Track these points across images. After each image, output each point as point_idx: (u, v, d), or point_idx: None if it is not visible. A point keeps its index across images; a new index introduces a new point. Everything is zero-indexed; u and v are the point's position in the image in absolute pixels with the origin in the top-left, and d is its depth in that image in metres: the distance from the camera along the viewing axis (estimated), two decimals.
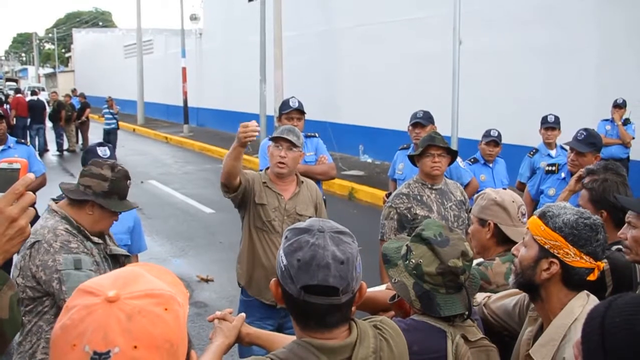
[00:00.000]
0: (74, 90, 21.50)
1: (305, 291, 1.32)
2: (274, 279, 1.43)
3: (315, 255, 1.31)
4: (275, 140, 3.39)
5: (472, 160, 5.50)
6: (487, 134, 5.48)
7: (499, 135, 5.46)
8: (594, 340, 1.09)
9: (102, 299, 0.86)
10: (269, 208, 3.37)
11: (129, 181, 2.64)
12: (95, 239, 2.57)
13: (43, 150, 16.37)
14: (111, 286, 0.88)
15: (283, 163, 3.34)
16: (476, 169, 5.37)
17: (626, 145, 8.18)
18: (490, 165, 5.48)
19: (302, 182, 3.54)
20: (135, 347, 0.84)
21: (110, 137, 15.49)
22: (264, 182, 3.42)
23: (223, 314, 1.82)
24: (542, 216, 1.82)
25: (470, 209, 2.75)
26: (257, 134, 3.05)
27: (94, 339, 0.83)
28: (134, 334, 0.84)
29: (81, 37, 42.79)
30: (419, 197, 3.62)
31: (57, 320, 0.89)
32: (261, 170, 3.57)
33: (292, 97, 4.75)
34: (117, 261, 2.67)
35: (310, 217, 3.39)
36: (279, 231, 3.37)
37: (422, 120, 4.87)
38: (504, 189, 2.70)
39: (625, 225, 2.20)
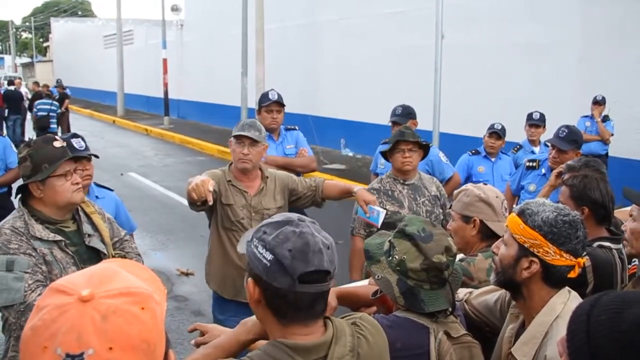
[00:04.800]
0: (58, 82, 18.80)
1: (300, 280, 1.31)
2: (250, 279, 1.40)
3: (308, 242, 1.32)
4: (237, 137, 3.30)
5: (473, 151, 5.52)
6: (490, 126, 5.52)
7: (503, 128, 5.48)
8: (580, 338, 1.08)
9: (76, 298, 0.82)
10: (236, 207, 3.32)
11: (55, 142, 2.46)
12: (51, 237, 2.42)
13: (20, 141, 16.10)
14: (85, 285, 0.84)
15: (246, 160, 3.29)
16: (475, 160, 5.40)
17: (605, 142, 8.30)
18: (492, 159, 5.49)
19: (267, 177, 3.44)
20: (111, 348, 0.80)
21: None
22: (229, 181, 3.35)
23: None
24: (521, 214, 1.79)
25: (448, 204, 2.74)
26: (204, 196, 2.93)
27: (67, 341, 0.79)
28: (109, 334, 0.81)
29: (60, 27, 42.15)
30: (390, 192, 3.63)
31: (27, 321, 0.85)
32: (224, 168, 3.48)
33: (272, 89, 4.72)
34: (97, 255, 2.55)
35: (278, 207, 3.36)
36: (247, 228, 3.31)
37: (398, 118, 4.78)
38: (485, 184, 2.69)
39: (629, 219, 2.22)
